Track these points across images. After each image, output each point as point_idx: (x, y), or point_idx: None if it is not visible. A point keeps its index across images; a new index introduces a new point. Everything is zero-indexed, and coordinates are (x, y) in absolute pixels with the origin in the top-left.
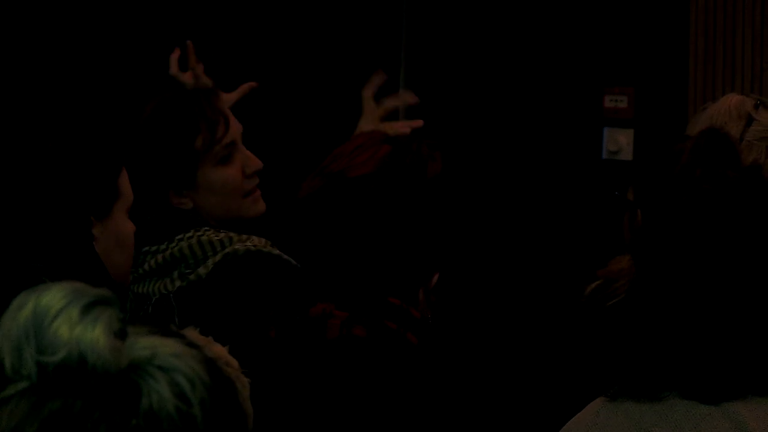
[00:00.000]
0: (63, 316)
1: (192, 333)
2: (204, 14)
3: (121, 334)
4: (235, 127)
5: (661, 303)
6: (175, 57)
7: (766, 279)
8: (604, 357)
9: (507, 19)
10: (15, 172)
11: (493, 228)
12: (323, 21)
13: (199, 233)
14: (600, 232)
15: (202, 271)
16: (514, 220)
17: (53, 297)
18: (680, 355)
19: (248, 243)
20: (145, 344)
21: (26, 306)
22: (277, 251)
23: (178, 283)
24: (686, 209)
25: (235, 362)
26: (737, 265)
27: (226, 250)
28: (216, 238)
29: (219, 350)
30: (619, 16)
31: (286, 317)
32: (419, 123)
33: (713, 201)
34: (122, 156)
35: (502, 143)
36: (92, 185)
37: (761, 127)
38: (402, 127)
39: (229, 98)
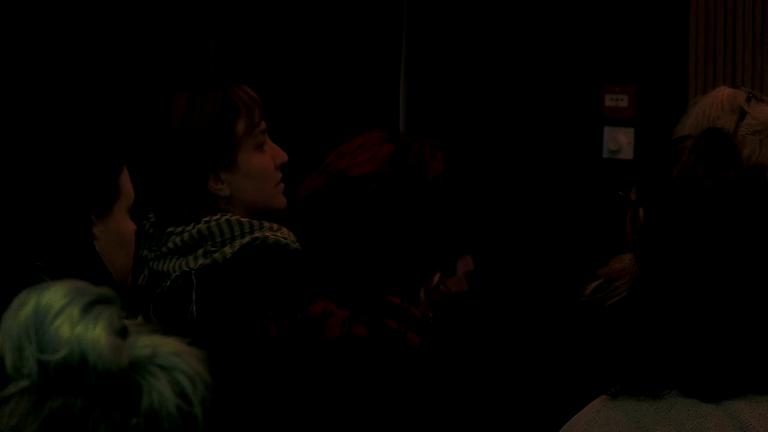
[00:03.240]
0: (64, 315)
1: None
2: (204, 15)
3: (122, 333)
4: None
5: (663, 301)
6: None
7: (765, 278)
8: (605, 355)
9: (507, 19)
10: (16, 171)
11: (494, 228)
12: (323, 21)
13: (227, 216)
14: (600, 231)
15: (227, 250)
16: (514, 219)
17: (54, 296)
18: (681, 353)
19: (278, 234)
20: (145, 343)
21: (27, 304)
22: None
23: (201, 261)
24: (687, 208)
25: None
26: (738, 264)
27: (255, 234)
28: (245, 219)
29: None
30: (620, 15)
31: (286, 317)
32: None
33: (715, 199)
34: (123, 155)
35: (503, 142)
36: (93, 184)
37: (754, 120)
38: None
39: None
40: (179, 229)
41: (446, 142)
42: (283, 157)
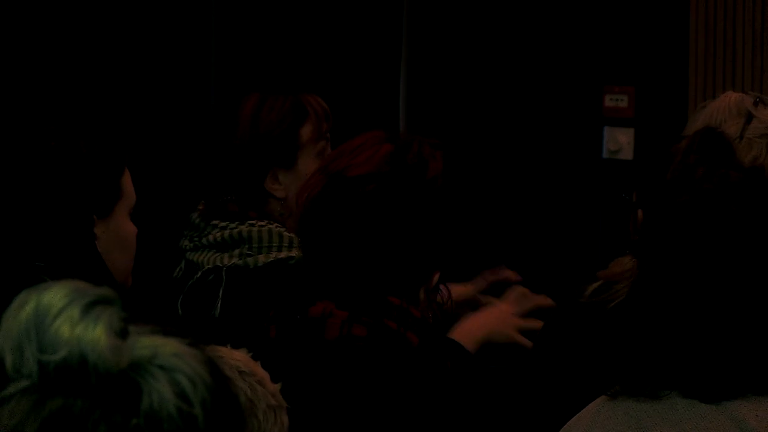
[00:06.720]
0: (64, 315)
1: (241, 356)
2: (204, 15)
3: (122, 334)
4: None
5: (663, 302)
6: None
7: (765, 279)
8: (605, 356)
9: (507, 19)
10: (18, 171)
11: (493, 228)
12: (323, 21)
13: (272, 225)
14: (600, 232)
15: (262, 258)
16: (514, 219)
17: (54, 296)
18: (681, 354)
19: None
20: (146, 344)
21: (28, 305)
22: None
23: (235, 260)
24: (687, 210)
25: (272, 386)
26: (738, 265)
27: (293, 253)
28: (288, 234)
29: (267, 381)
30: (619, 16)
31: (285, 317)
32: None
33: (714, 201)
34: (125, 156)
35: (503, 142)
36: (95, 184)
37: (761, 124)
38: (542, 299)
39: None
40: (223, 224)
41: (446, 142)
42: None
